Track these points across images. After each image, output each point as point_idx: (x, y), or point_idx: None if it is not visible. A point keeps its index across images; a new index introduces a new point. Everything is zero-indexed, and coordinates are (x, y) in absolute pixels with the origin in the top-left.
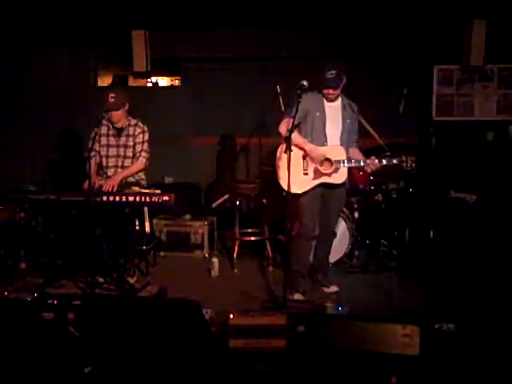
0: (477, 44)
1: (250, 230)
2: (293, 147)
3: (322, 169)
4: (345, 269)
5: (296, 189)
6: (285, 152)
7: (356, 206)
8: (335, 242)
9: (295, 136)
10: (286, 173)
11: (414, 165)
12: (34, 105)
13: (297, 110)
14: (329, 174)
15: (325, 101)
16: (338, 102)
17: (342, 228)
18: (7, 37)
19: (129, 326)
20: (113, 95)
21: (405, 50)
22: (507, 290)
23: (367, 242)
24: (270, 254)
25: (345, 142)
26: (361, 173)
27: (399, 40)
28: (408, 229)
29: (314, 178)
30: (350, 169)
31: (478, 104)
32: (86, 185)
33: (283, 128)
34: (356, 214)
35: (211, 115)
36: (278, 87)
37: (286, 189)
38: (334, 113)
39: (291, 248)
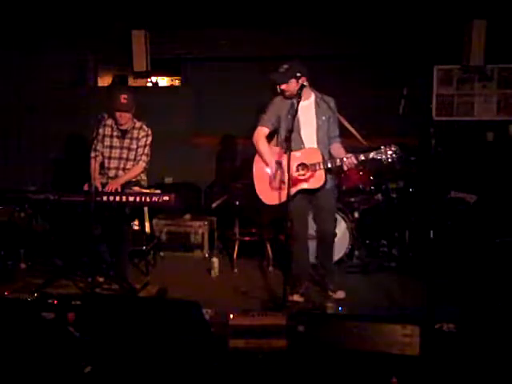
0: (477, 44)
1: (249, 230)
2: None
3: (297, 175)
4: (345, 269)
5: (274, 200)
6: (285, 152)
7: (356, 205)
8: (335, 241)
9: (263, 145)
10: (262, 184)
11: (394, 155)
12: (34, 105)
13: (296, 111)
14: (306, 180)
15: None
16: (311, 100)
17: (341, 228)
18: (7, 37)
19: (129, 326)
20: (125, 96)
21: (405, 50)
22: (507, 290)
23: (367, 241)
24: (270, 253)
25: (322, 141)
26: (361, 173)
27: (399, 40)
28: (408, 229)
29: (292, 186)
30: (341, 168)
31: (478, 104)
32: (86, 187)
33: (256, 138)
34: (356, 214)
35: (211, 115)
36: (278, 87)
37: (265, 202)
38: (307, 112)
39: (290, 252)
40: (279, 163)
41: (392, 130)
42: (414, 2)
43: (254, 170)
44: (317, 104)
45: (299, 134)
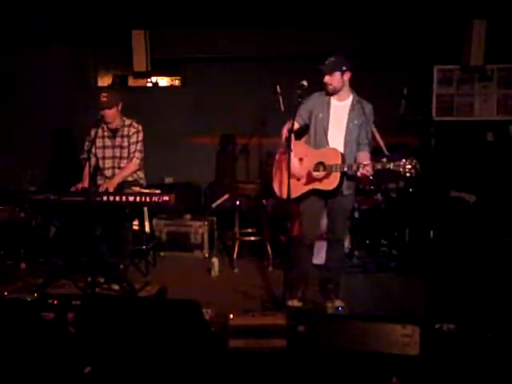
0: (477, 44)
1: (250, 230)
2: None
3: (315, 174)
4: (345, 269)
5: (286, 194)
6: (284, 153)
7: (356, 205)
8: None
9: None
10: (279, 176)
11: (413, 170)
12: (34, 105)
13: (296, 111)
14: (320, 180)
15: (332, 101)
16: (348, 102)
17: None
18: (7, 37)
19: (129, 326)
20: (105, 94)
21: (405, 50)
22: (507, 290)
23: (367, 241)
24: (270, 254)
25: (350, 145)
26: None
27: (399, 40)
28: (408, 229)
29: (306, 184)
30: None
31: (478, 104)
32: (78, 186)
33: (283, 130)
34: (356, 214)
35: (211, 115)
36: (277, 87)
37: (277, 193)
38: (339, 114)
39: (291, 254)
40: (302, 157)
41: (392, 130)
42: (414, 2)
43: (275, 162)
44: (352, 107)
45: (325, 134)
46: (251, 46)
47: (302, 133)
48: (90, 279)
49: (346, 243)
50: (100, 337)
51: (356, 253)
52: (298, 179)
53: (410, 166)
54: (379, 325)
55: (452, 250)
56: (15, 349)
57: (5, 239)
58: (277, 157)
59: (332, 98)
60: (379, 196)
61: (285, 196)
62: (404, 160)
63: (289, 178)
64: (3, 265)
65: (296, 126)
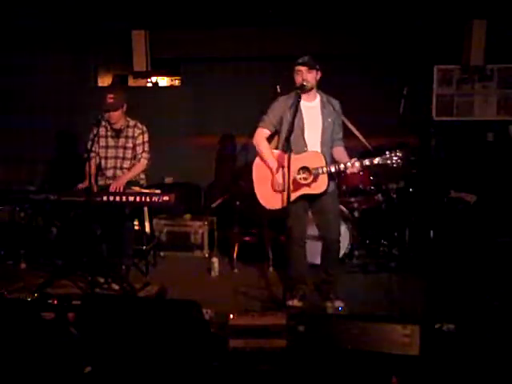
0: (477, 44)
1: (249, 230)
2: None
3: (299, 178)
4: (345, 269)
5: (275, 204)
6: (285, 153)
7: (356, 205)
8: None
9: (265, 148)
10: (262, 187)
11: (399, 161)
12: (34, 105)
13: (296, 110)
14: (308, 185)
15: (302, 102)
16: (317, 101)
17: (342, 228)
18: (7, 37)
19: (129, 326)
20: (111, 96)
21: (405, 50)
22: (507, 290)
23: (367, 241)
24: (270, 254)
25: (326, 144)
26: (361, 173)
27: (399, 40)
28: (408, 229)
29: (294, 191)
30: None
31: (478, 104)
32: (80, 186)
33: (257, 140)
34: (356, 214)
35: (211, 115)
36: (278, 87)
37: (266, 206)
38: (312, 114)
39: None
40: (281, 166)
41: (392, 130)
42: (414, 2)
43: (253, 173)
44: (323, 105)
45: (303, 136)
46: (251, 46)
47: (270, 140)
48: (90, 279)
49: (346, 243)
50: (100, 337)
51: (356, 253)
52: (283, 190)
53: (396, 158)
54: (379, 325)
55: (452, 249)
56: (15, 349)
57: (5, 239)
58: (254, 169)
59: (301, 100)
60: (379, 196)
61: (276, 207)
62: (388, 152)
63: (288, 179)
64: (3, 265)
65: (268, 133)
